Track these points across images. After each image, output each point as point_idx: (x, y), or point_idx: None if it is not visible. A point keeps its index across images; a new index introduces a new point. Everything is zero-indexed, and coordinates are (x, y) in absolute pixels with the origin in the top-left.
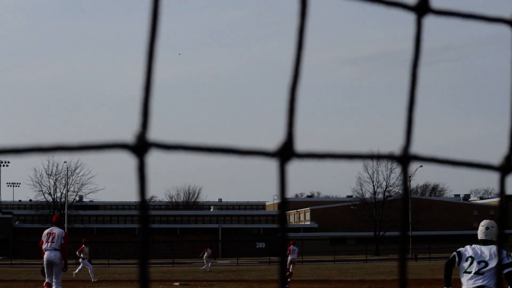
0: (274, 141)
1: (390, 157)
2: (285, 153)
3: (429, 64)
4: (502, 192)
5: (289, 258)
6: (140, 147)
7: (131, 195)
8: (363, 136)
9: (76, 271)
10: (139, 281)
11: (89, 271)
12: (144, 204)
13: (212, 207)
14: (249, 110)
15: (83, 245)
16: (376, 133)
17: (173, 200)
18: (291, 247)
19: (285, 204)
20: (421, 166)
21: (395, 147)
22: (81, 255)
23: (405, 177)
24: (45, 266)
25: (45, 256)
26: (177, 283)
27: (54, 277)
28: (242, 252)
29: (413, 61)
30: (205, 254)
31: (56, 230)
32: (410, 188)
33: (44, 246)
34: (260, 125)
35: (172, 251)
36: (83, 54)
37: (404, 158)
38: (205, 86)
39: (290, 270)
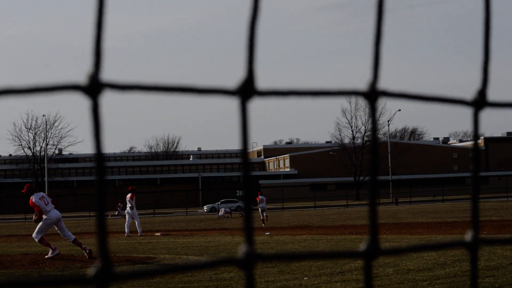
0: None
1: (357, 93)
2: (246, 90)
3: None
4: (476, 129)
5: (259, 207)
6: (93, 88)
7: (110, 147)
8: (341, 81)
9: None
10: (96, 233)
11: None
12: (98, 148)
13: (191, 156)
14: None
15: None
16: (356, 78)
17: (153, 150)
18: (260, 196)
19: (247, 144)
20: (399, 110)
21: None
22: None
23: (373, 114)
24: (54, 224)
25: (54, 215)
26: (159, 233)
27: (63, 230)
28: (221, 199)
29: None
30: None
31: (42, 193)
32: (389, 132)
33: (48, 209)
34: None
35: (153, 202)
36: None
37: (372, 94)
38: (167, 33)
39: (262, 217)
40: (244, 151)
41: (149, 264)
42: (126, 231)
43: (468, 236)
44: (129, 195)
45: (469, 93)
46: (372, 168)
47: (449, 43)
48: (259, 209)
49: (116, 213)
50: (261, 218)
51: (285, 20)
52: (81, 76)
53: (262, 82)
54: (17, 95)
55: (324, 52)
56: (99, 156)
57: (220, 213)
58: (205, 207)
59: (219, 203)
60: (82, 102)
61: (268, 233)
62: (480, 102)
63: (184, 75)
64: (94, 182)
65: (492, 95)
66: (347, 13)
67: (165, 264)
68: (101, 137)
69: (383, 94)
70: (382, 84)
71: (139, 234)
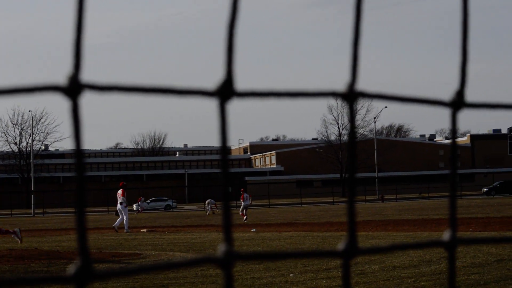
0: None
1: (335, 94)
2: (225, 92)
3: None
4: (454, 129)
5: (243, 204)
6: (73, 88)
7: (97, 143)
8: (327, 80)
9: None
10: (76, 231)
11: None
12: (78, 148)
13: (177, 152)
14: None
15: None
16: (341, 77)
17: (139, 146)
18: (244, 194)
19: (226, 145)
20: (386, 107)
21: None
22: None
23: (352, 115)
24: None
25: None
26: (145, 230)
27: None
28: (208, 197)
29: None
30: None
31: None
32: (375, 129)
33: None
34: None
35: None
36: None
37: (350, 95)
38: (149, 31)
39: (244, 214)
40: (223, 152)
41: (135, 260)
42: (125, 226)
43: (446, 235)
44: (120, 192)
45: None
46: (350, 168)
47: (431, 41)
48: (242, 205)
49: (135, 207)
50: (245, 215)
51: (270, 17)
52: (61, 76)
53: (246, 80)
54: None
55: (310, 51)
56: (79, 155)
57: (207, 208)
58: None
59: (147, 202)
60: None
61: (254, 230)
62: (458, 103)
63: (167, 74)
64: (75, 180)
65: (473, 95)
66: (332, 11)
67: (144, 263)
68: (81, 137)
69: (361, 95)
70: (363, 84)
71: (125, 230)
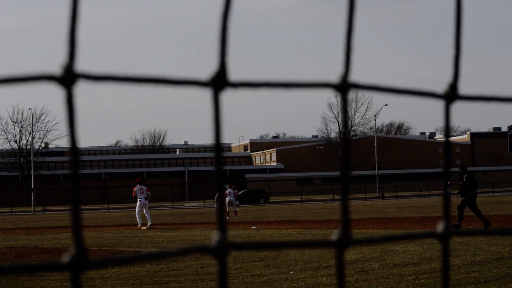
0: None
1: (328, 85)
2: (219, 82)
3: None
4: (447, 122)
5: (227, 199)
6: (67, 78)
7: (96, 140)
8: (327, 75)
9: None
10: (71, 220)
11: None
12: (73, 139)
13: (177, 150)
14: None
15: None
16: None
17: (139, 144)
18: (228, 189)
19: (220, 135)
20: (386, 104)
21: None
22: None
23: (345, 106)
24: None
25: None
26: (145, 227)
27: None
28: (209, 194)
29: None
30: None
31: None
32: (376, 126)
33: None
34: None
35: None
36: None
37: (343, 86)
38: (145, 24)
39: (228, 210)
40: (216, 143)
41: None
42: (148, 220)
43: (440, 227)
44: (145, 187)
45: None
46: (343, 157)
47: (424, 37)
48: (226, 202)
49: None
50: (227, 210)
51: (265, 12)
52: (56, 66)
53: (241, 75)
54: None
55: (306, 46)
56: (73, 146)
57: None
58: None
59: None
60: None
61: (255, 227)
62: (451, 95)
63: (163, 67)
64: (69, 170)
65: (468, 89)
66: (327, 5)
67: (138, 252)
68: (76, 128)
69: (354, 86)
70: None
71: (139, 225)
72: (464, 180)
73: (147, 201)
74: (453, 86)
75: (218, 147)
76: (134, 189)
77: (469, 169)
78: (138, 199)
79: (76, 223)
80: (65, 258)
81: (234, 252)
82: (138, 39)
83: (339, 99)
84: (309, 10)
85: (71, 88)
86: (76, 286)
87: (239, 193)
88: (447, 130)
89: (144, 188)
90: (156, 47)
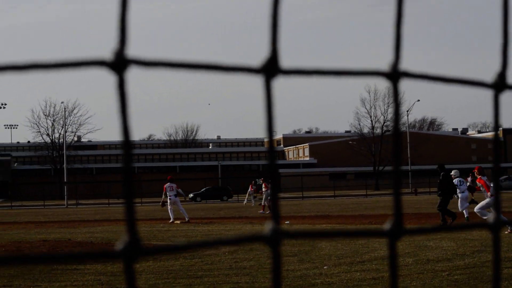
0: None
1: (379, 74)
2: (270, 69)
3: None
4: (496, 112)
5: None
6: (119, 63)
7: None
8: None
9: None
10: (125, 220)
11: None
12: (125, 125)
13: (210, 144)
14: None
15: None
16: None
17: (172, 138)
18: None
19: (272, 123)
20: (418, 100)
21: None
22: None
23: (396, 95)
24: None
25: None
26: (178, 221)
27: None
28: (242, 189)
29: None
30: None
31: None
32: (408, 122)
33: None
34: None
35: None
36: None
37: (394, 75)
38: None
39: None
40: (269, 131)
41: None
42: (185, 216)
43: (491, 218)
44: (175, 185)
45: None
46: (395, 149)
47: (469, 30)
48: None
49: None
50: (267, 204)
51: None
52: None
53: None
54: (44, 70)
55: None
56: (126, 133)
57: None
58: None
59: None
60: (100, 89)
61: (288, 222)
62: (500, 85)
63: (211, 54)
64: (122, 155)
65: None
66: None
67: (193, 240)
68: (128, 114)
69: (405, 75)
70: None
71: (171, 220)
72: (441, 178)
73: (177, 198)
74: (502, 75)
75: (271, 135)
76: (165, 186)
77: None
78: (168, 197)
79: (130, 211)
80: (119, 246)
81: (289, 240)
82: (185, 29)
83: (373, 95)
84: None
85: (123, 73)
86: (130, 274)
87: (203, 189)
88: (496, 120)
89: (174, 185)
90: (204, 36)
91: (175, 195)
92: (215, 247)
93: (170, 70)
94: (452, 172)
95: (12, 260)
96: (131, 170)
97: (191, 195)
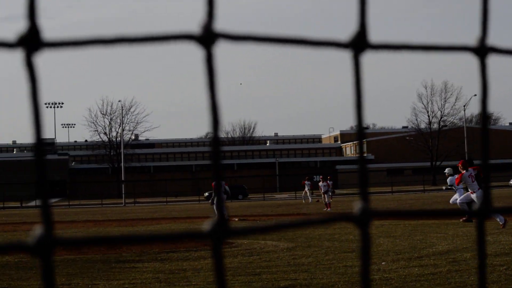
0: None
1: (466, 49)
2: (359, 43)
3: None
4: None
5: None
6: (207, 37)
7: (186, 132)
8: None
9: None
10: (216, 195)
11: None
12: (213, 99)
13: (268, 141)
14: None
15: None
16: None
17: (229, 135)
18: (321, 183)
19: (361, 98)
20: (475, 95)
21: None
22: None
23: (484, 71)
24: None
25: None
26: (236, 219)
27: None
28: (299, 185)
29: None
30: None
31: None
32: (465, 117)
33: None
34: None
35: (230, 187)
36: None
37: (481, 49)
38: None
39: (326, 201)
40: (358, 108)
41: (226, 248)
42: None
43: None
44: (223, 182)
45: None
46: (483, 133)
47: None
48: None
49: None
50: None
51: None
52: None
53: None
54: (131, 44)
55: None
56: (214, 110)
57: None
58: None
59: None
60: (157, 88)
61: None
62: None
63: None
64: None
65: None
66: None
67: (281, 220)
68: (217, 88)
69: (492, 50)
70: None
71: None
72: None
73: (225, 196)
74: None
75: (359, 114)
76: (213, 184)
77: None
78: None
79: (219, 193)
80: (206, 226)
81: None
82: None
83: (430, 91)
84: None
85: (211, 48)
86: (218, 255)
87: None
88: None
89: (223, 183)
90: (287, 12)
91: (224, 193)
92: (303, 227)
93: (258, 44)
94: (446, 170)
95: (100, 240)
96: (219, 163)
97: (206, 194)
